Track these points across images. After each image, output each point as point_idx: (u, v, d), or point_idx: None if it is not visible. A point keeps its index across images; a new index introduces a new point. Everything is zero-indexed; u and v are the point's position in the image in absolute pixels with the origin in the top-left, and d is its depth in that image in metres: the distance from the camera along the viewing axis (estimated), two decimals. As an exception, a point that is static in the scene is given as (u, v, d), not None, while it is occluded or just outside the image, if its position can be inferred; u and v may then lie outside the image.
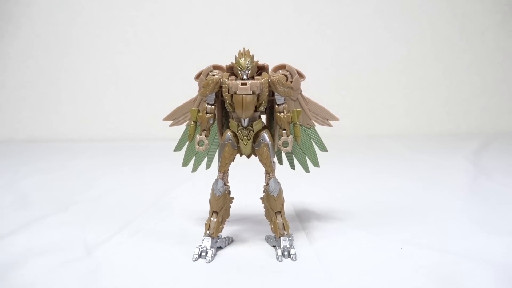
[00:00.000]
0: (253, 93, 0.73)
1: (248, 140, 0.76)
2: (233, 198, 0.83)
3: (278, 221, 0.79)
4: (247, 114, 0.73)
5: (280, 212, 0.79)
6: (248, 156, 0.81)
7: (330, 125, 0.83)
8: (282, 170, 0.87)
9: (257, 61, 0.75)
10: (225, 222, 0.83)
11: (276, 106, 0.75)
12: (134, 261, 0.79)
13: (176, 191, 1.24)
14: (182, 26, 2.24)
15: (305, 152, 0.85)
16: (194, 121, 0.78)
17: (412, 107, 2.28)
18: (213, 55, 2.10)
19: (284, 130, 0.75)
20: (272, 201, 0.78)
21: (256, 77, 0.75)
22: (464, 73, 2.27)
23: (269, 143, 0.76)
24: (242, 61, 0.74)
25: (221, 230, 0.81)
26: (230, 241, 0.84)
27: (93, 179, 1.37)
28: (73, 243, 0.86)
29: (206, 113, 0.77)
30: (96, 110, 2.28)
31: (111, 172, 1.48)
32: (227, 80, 0.74)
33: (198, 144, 0.76)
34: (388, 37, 2.27)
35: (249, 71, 0.73)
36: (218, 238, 0.81)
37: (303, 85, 0.81)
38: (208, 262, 0.76)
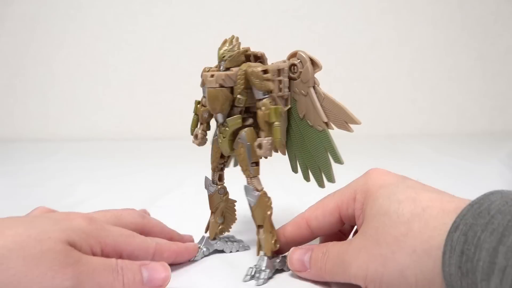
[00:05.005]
0: (221, 86, 0.75)
1: (224, 138, 0.78)
2: (235, 201, 0.87)
3: (260, 237, 0.77)
4: (215, 108, 0.76)
5: (262, 226, 0.77)
6: (228, 157, 0.84)
7: (349, 130, 0.75)
8: (288, 174, 0.88)
9: (244, 49, 0.77)
10: (231, 226, 0.88)
11: (257, 102, 0.76)
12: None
13: (164, 199, 1.25)
14: (169, 7, 2.26)
15: (316, 159, 0.80)
16: (195, 114, 0.83)
17: (439, 101, 2.29)
18: (206, 41, 2.14)
19: (263, 130, 0.75)
20: (252, 211, 0.79)
21: (234, 68, 0.76)
22: (500, 62, 2.29)
23: (247, 144, 0.77)
24: (221, 50, 0.76)
25: (221, 233, 0.87)
26: (241, 247, 0.87)
27: (67, 185, 1.38)
28: (45, 258, 0.88)
29: (202, 105, 0.81)
30: (69, 105, 2.30)
31: (87, 177, 1.50)
32: (204, 72, 0.78)
33: (195, 137, 0.82)
34: (411, 19, 2.29)
35: (225, 62, 0.75)
36: (219, 240, 0.86)
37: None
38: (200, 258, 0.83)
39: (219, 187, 0.84)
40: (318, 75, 0.80)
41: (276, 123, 0.73)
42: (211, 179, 0.84)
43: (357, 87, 2.26)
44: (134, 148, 1.98)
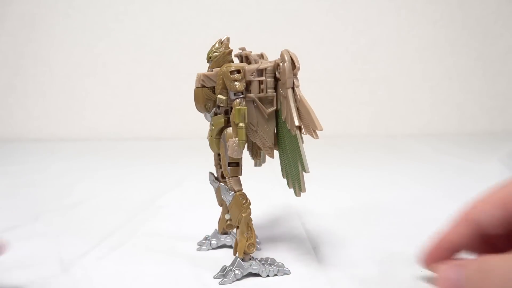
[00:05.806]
0: (202, 86, 0.77)
1: (211, 136, 0.79)
2: None
3: (236, 237, 0.76)
4: (197, 107, 0.78)
5: (238, 228, 0.75)
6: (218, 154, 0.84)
7: (314, 136, 0.69)
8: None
9: (229, 50, 0.77)
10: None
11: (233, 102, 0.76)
12: (115, 280, 0.80)
13: (164, 198, 1.26)
14: (169, 7, 2.26)
15: (292, 165, 0.74)
16: None
17: (439, 101, 2.29)
18: (206, 41, 2.14)
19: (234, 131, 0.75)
20: (229, 210, 0.79)
21: (216, 69, 0.77)
22: (500, 62, 2.29)
23: (226, 143, 0.76)
24: (208, 50, 0.77)
25: (229, 228, 0.88)
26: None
27: (67, 185, 1.39)
28: (46, 258, 0.88)
29: None
30: (69, 104, 2.30)
31: (87, 177, 1.50)
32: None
33: None
34: (411, 18, 2.29)
35: (212, 62, 0.77)
36: (228, 234, 0.88)
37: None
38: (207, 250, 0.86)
39: (221, 184, 0.82)
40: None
41: (240, 124, 0.72)
42: (215, 175, 0.85)
43: (357, 87, 2.26)
44: (134, 148, 1.98)
